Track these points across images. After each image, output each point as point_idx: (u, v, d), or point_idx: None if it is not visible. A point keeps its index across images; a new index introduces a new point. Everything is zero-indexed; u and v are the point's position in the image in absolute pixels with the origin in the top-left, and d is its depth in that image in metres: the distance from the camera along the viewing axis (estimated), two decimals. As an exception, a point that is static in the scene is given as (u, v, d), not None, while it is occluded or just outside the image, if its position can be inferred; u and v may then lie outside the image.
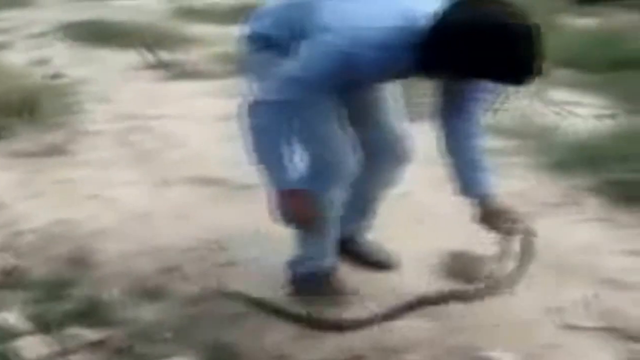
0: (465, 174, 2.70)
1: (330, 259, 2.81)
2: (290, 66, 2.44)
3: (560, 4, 7.48)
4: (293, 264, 2.85)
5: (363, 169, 2.76)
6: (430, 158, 4.03)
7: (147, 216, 3.47)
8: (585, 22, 7.17)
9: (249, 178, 3.74)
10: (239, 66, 2.77)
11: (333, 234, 2.77)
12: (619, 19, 7.36)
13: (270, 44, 2.57)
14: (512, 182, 3.89)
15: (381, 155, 2.85)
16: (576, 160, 4.06)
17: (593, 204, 3.64)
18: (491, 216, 2.69)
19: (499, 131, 4.51)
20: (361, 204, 2.94)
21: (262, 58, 2.58)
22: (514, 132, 4.52)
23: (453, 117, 2.66)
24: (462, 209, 3.52)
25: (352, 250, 3.03)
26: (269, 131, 2.52)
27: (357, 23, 2.36)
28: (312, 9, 2.47)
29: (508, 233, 2.67)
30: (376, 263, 3.04)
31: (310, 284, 2.80)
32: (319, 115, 2.59)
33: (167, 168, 3.96)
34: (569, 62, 5.86)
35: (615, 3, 7.96)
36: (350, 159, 2.66)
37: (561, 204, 3.67)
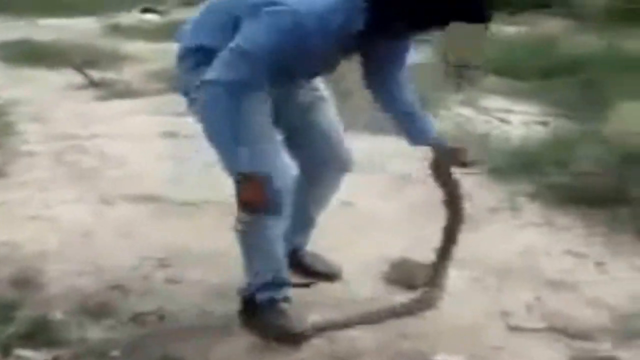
0: (410, 126, 2.77)
1: (283, 279, 2.75)
2: (235, 42, 2.41)
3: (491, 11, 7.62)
4: (246, 290, 2.77)
5: (303, 180, 2.78)
6: (369, 167, 4.12)
7: (89, 235, 3.44)
8: (514, 30, 7.33)
9: (190, 195, 3.78)
10: (176, 86, 2.74)
11: (281, 252, 2.77)
12: (547, 27, 7.54)
13: (205, 55, 2.54)
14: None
15: (321, 165, 2.87)
16: (511, 166, 4.15)
17: (531, 209, 3.73)
18: (442, 161, 2.79)
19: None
20: (303, 216, 2.95)
21: (200, 73, 2.54)
22: (450, 139, 4.58)
23: (386, 79, 2.72)
24: (402, 216, 3.60)
25: (295, 262, 3.04)
26: (218, 113, 2.49)
27: None
28: None
29: (444, 185, 2.80)
30: (319, 274, 3.05)
31: (266, 308, 2.72)
32: (259, 128, 2.58)
33: (107, 187, 3.92)
34: (501, 70, 5.98)
35: (541, 11, 8.15)
36: (289, 173, 2.62)
37: (499, 209, 3.74)
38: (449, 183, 2.78)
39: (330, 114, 2.87)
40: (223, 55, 2.44)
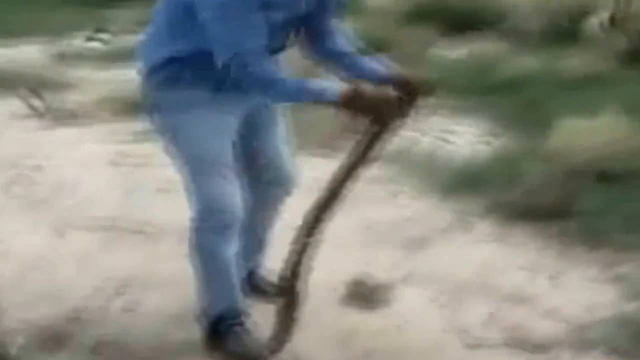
0: (358, 70, 2.66)
1: (237, 304, 2.80)
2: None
3: (430, 35, 7.75)
4: (203, 317, 2.82)
5: (252, 201, 2.81)
6: (320, 190, 4.15)
7: (44, 264, 3.42)
8: (455, 52, 7.45)
9: (144, 221, 3.78)
10: (144, 105, 2.75)
11: (235, 277, 2.79)
12: (483, 48, 7.68)
13: (173, 66, 2.56)
14: (399, 209, 4.03)
15: (266, 186, 2.90)
16: (460, 184, 4.23)
17: (482, 227, 3.81)
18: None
19: (381, 160, 4.65)
20: (252, 237, 2.97)
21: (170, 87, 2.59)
22: (395, 160, 4.66)
23: (325, 41, 2.69)
24: (355, 236, 3.65)
25: (252, 285, 3.06)
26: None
27: None
28: None
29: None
30: (277, 294, 3.08)
31: (224, 334, 2.77)
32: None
33: (60, 215, 3.90)
34: (443, 91, 6.07)
35: (480, 33, 8.29)
36: (239, 204, 2.68)
37: (452, 228, 3.82)
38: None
39: (277, 135, 2.89)
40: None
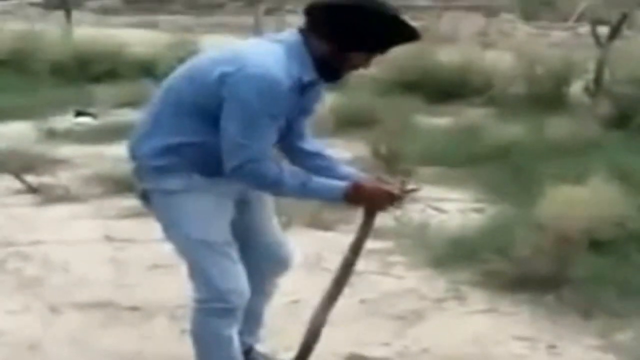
0: (333, 173, 2.77)
1: None
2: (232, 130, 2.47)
3: (414, 104, 7.85)
4: None
5: (249, 278, 2.78)
6: (315, 263, 4.16)
7: (37, 346, 3.38)
8: (439, 121, 7.55)
9: (137, 299, 3.77)
10: (142, 196, 2.75)
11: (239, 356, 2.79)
12: (470, 116, 7.78)
13: (175, 154, 2.59)
14: (393, 281, 4.04)
15: (258, 264, 2.89)
16: (452, 255, 4.25)
17: (477, 296, 3.82)
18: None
19: (374, 232, 4.64)
20: (253, 313, 2.96)
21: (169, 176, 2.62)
22: (388, 232, 4.67)
23: (301, 146, 2.81)
24: (352, 312, 3.63)
25: None
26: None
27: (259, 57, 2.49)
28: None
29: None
30: None
31: None
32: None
33: (53, 294, 3.88)
34: (431, 160, 6.13)
35: (466, 100, 8.41)
36: (246, 284, 2.71)
37: (445, 299, 3.82)
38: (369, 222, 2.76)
39: (265, 214, 2.91)
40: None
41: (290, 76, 2.49)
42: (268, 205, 2.92)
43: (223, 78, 2.47)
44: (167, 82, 2.68)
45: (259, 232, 2.89)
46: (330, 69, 2.59)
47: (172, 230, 2.70)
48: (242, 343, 2.91)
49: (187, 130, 2.57)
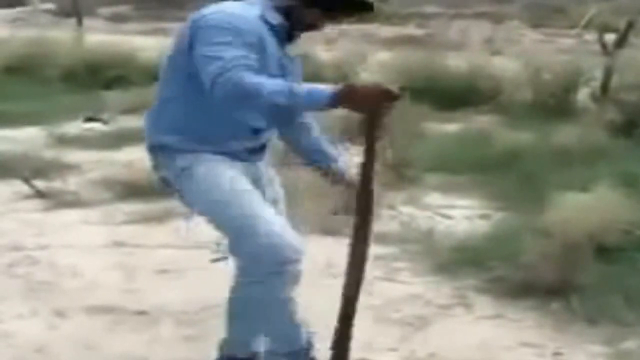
0: (326, 157, 3.02)
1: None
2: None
3: (422, 111, 7.86)
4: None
5: None
6: (328, 271, 4.18)
7: (44, 350, 3.40)
8: (448, 127, 7.56)
9: (144, 304, 3.79)
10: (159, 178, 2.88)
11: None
12: (478, 123, 7.79)
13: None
14: (400, 287, 4.05)
15: None
16: (458, 261, 4.26)
17: (481, 303, 3.82)
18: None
19: (379, 238, 4.68)
20: None
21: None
22: (394, 239, 4.70)
23: (294, 126, 2.98)
24: (366, 321, 3.64)
25: None
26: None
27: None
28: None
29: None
30: None
31: None
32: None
33: (61, 299, 3.90)
34: (439, 167, 6.15)
35: (474, 108, 8.42)
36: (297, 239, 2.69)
37: (450, 305, 3.83)
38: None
39: (277, 208, 2.92)
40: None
41: (253, 15, 2.68)
42: (280, 201, 2.97)
43: (191, 29, 2.65)
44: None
45: None
46: (292, 21, 2.74)
47: (201, 201, 2.73)
48: (245, 345, 2.94)
49: (172, 89, 2.76)
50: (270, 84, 2.51)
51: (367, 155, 2.62)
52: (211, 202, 2.69)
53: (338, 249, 4.42)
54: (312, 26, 2.77)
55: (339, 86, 2.49)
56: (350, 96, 2.47)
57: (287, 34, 2.77)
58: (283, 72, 2.74)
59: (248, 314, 2.81)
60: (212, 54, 2.54)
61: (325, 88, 2.50)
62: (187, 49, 2.65)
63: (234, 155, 2.76)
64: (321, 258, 4.31)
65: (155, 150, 2.82)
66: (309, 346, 2.88)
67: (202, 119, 2.72)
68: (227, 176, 2.70)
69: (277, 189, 2.99)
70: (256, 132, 2.82)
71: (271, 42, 2.71)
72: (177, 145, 2.75)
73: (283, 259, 2.62)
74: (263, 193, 2.83)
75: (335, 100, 2.46)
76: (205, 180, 2.70)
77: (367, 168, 2.63)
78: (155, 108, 2.85)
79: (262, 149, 2.90)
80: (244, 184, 2.71)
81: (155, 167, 2.86)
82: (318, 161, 3.04)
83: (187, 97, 2.71)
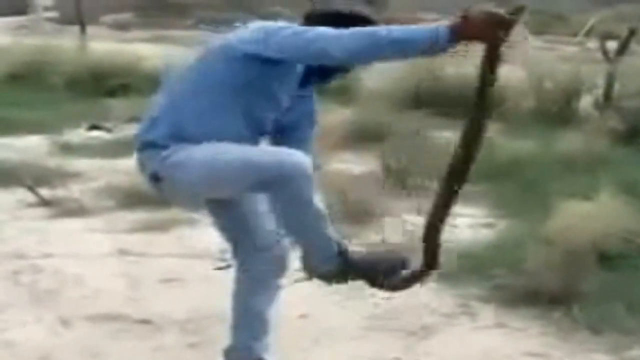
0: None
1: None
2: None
3: (424, 118, 7.88)
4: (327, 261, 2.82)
5: (249, 281, 2.94)
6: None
7: (49, 358, 3.42)
8: (449, 135, 7.54)
9: (148, 312, 3.80)
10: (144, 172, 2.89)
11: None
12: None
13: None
14: (404, 296, 4.03)
15: (262, 255, 2.95)
16: (463, 269, 4.26)
17: (486, 311, 3.83)
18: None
19: (385, 247, 4.69)
20: (257, 319, 2.98)
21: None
22: (398, 247, 4.69)
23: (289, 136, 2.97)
24: (361, 328, 3.66)
25: None
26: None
27: None
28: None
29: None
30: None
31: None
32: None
33: (65, 307, 3.91)
34: (441, 175, 6.13)
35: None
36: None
37: (454, 314, 3.84)
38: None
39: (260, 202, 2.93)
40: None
41: None
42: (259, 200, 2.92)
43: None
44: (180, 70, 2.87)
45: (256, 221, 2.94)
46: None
47: (194, 168, 2.71)
48: (249, 350, 2.94)
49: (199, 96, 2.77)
50: (380, 34, 2.54)
51: (483, 81, 2.63)
52: (204, 162, 2.70)
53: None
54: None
55: (453, 21, 2.45)
56: (467, 26, 2.44)
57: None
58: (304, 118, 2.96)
59: (250, 319, 2.83)
60: (301, 38, 2.61)
61: (437, 26, 2.47)
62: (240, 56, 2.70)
63: None
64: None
65: (144, 148, 2.81)
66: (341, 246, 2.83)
67: (215, 122, 2.74)
68: (209, 144, 2.71)
69: None
70: (262, 134, 2.86)
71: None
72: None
73: (300, 165, 2.65)
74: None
75: (456, 35, 2.44)
76: (190, 153, 2.70)
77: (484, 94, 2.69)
78: (161, 114, 2.82)
79: None
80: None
81: (142, 166, 2.84)
82: None
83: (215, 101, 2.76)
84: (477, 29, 2.44)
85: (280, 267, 3.00)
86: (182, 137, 2.75)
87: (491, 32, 2.45)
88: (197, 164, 2.71)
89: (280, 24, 2.72)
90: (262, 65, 2.71)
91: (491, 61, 2.51)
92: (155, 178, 2.81)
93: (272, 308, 3.02)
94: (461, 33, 2.44)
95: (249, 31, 2.76)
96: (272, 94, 2.82)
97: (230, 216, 2.96)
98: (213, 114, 2.75)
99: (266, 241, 2.95)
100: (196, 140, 2.73)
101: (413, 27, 2.51)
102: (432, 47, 2.50)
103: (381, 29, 2.55)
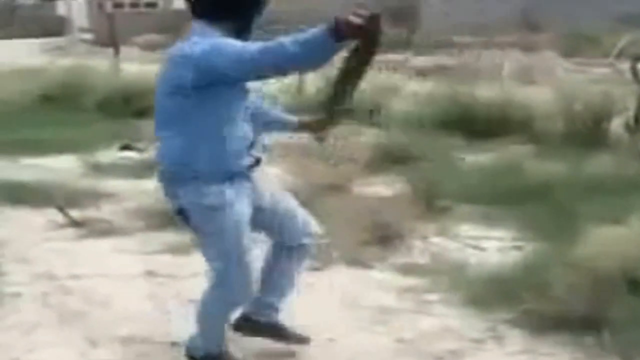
0: (280, 123, 3.57)
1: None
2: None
3: (454, 141, 7.87)
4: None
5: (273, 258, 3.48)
6: (350, 300, 4.18)
7: (77, 379, 3.45)
8: (479, 158, 7.54)
9: (176, 335, 3.81)
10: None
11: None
12: (511, 153, 7.75)
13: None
14: (431, 320, 4.03)
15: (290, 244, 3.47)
16: (491, 293, 4.23)
17: (514, 337, 3.80)
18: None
19: (412, 270, 4.68)
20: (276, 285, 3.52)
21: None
22: (426, 270, 4.69)
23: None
24: (388, 352, 3.64)
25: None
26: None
27: None
28: None
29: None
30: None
31: None
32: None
33: (93, 328, 3.94)
34: (471, 197, 6.13)
35: (506, 138, 8.38)
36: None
37: (483, 339, 3.81)
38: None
39: (283, 196, 3.47)
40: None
41: None
42: (275, 188, 3.47)
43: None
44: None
45: (280, 215, 3.41)
46: None
47: (209, 242, 3.23)
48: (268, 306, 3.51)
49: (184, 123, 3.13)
50: (289, 48, 2.79)
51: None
52: (214, 242, 3.21)
53: (367, 281, 4.46)
54: None
55: (331, 22, 2.74)
56: (346, 28, 2.73)
57: None
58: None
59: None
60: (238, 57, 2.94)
61: (320, 27, 2.76)
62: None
63: (242, 177, 3.16)
64: (350, 290, 4.33)
65: (174, 178, 3.16)
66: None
67: (213, 143, 3.09)
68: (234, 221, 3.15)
69: (269, 179, 3.48)
70: (251, 145, 3.20)
71: None
72: (198, 174, 3.10)
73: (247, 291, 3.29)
74: (261, 195, 3.30)
75: (338, 33, 2.72)
76: (220, 226, 3.15)
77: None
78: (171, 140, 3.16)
79: (257, 163, 3.26)
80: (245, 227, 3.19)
81: (172, 195, 3.22)
82: (289, 128, 3.58)
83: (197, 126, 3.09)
84: (353, 28, 2.75)
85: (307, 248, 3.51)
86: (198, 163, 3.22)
87: (363, 31, 2.78)
88: (211, 240, 3.29)
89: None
90: None
91: (364, 52, 2.92)
92: (180, 212, 3.29)
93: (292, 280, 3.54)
94: (342, 32, 2.74)
95: None
96: None
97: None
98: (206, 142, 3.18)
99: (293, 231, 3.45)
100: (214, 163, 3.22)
101: (301, 33, 2.80)
102: (327, 43, 2.76)
103: (282, 40, 2.81)
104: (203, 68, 2.95)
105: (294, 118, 3.58)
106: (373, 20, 2.76)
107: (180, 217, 3.25)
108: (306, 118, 3.55)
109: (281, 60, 2.81)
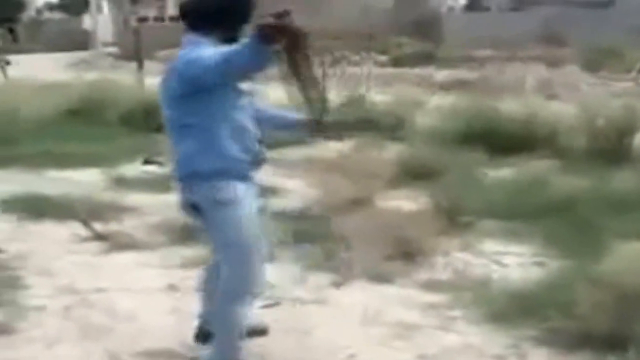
0: (281, 120, 3.69)
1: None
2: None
3: (477, 156, 7.84)
4: None
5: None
6: (370, 316, 4.16)
7: (98, 394, 3.45)
8: (502, 173, 7.51)
9: (199, 350, 3.81)
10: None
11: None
12: (534, 168, 7.72)
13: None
14: (454, 337, 4.01)
15: None
16: (514, 310, 4.21)
17: (537, 354, 3.77)
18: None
19: (434, 285, 4.66)
20: None
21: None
22: (448, 286, 4.67)
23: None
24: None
25: None
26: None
27: None
28: None
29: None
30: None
31: None
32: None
33: (114, 342, 3.95)
34: (493, 213, 6.10)
35: (530, 153, 8.35)
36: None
37: (505, 356, 3.79)
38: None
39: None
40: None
41: None
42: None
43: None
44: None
45: None
46: None
47: (222, 237, 3.39)
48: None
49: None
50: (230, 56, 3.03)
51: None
52: (226, 234, 3.38)
53: (387, 297, 4.45)
54: None
55: (255, 30, 2.93)
56: (269, 29, 2.91)
57: None
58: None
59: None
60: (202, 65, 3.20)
61: (251, 36, 2.95)
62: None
63: (246, 176, 3.37)
64: (371, 305, 4.32)
65: (191, 177, 3.39)
66: None
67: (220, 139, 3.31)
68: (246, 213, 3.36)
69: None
70: (259, 142, 3.40)
71: None
72: (210, 174, 3.33)
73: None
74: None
75: (260, 39, 2.90)
76: (232, 220, 3.34)
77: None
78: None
79: (261, 162, 3.45)
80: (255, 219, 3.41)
81: (189, 192, 3.43)
82: (292, 126, 3.71)
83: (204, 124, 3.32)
84: (268, 29, 2.93)
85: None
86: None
87: (279, 28, 2.95)
88: (223, 233, 3.46)
89: None
90: None
91: (292, 48, 3.05)
92: (193, 207, 3.50)
93: None
94: (264, 34, 2.92)
95: None
96: None
97: None
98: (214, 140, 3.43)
99: None
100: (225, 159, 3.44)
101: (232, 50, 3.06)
102: (259, 47, 2.94)
103: (236, 46, 3.06)
104: (185, 78, 3.21)
105: (294, 115, 3.66)
106: (281, 16, 2.94)
107: (193, 211, 3.47)
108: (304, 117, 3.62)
109: (235, 64, 3.03)
